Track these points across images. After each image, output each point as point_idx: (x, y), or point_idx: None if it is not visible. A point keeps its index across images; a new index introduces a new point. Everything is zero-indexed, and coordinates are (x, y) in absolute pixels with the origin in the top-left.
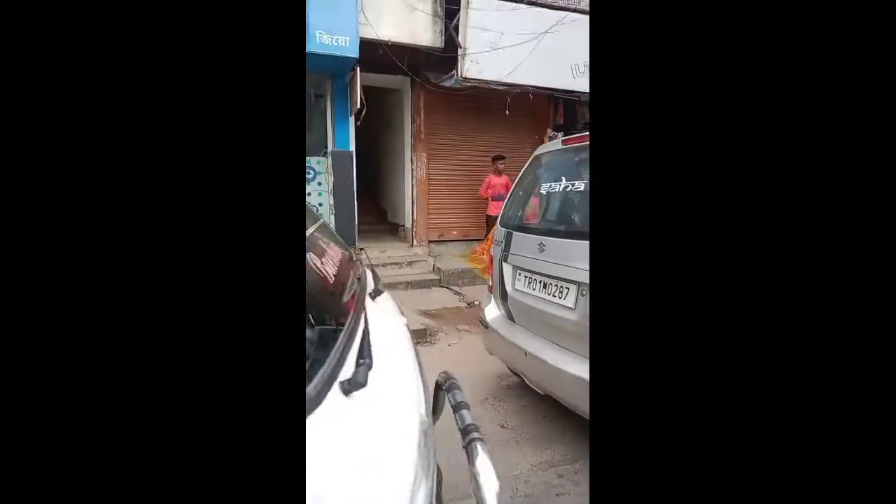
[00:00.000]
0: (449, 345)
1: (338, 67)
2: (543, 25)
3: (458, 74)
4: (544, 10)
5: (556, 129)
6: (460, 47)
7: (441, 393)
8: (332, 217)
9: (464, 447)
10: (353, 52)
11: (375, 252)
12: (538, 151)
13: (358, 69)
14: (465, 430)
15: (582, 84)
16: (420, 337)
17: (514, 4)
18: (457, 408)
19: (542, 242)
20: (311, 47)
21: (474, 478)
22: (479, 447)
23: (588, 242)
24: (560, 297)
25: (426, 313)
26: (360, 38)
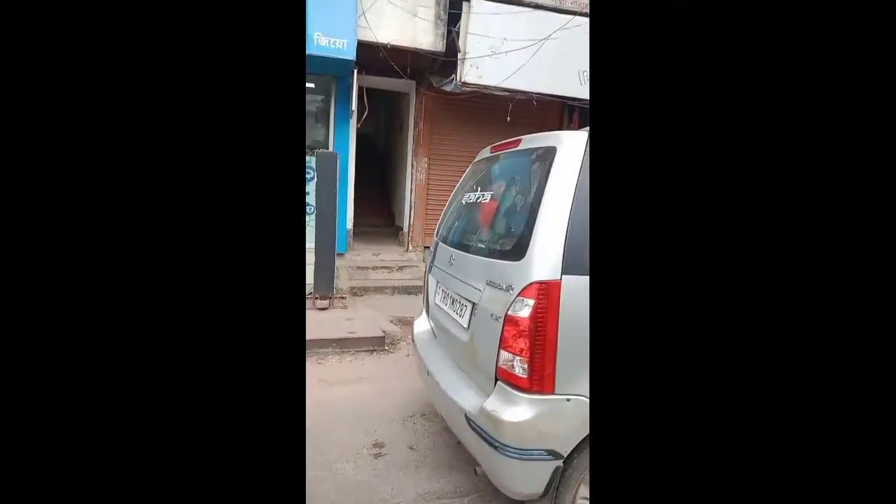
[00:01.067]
0: (407, 355)
1: (339, 70)
2: (546, 31)
3: (457, 79)
4: (548, 13)
5: None
6: (459, 51)
7: None
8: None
9: None
10: (351, 55)
11: (368, 255)
12: (477, 158)
13: (355, 72)
14: None
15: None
16: (376, 345)
17: (516, 9)
18: None
19: (452, 255)
20: (308, 49)
21: None
22: None
23: (485, 259)
24: (459, 316)
25: (399, 320)
26: (361, 41)
